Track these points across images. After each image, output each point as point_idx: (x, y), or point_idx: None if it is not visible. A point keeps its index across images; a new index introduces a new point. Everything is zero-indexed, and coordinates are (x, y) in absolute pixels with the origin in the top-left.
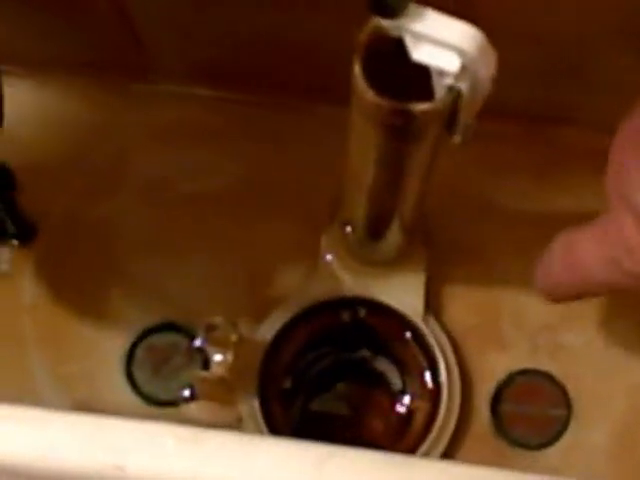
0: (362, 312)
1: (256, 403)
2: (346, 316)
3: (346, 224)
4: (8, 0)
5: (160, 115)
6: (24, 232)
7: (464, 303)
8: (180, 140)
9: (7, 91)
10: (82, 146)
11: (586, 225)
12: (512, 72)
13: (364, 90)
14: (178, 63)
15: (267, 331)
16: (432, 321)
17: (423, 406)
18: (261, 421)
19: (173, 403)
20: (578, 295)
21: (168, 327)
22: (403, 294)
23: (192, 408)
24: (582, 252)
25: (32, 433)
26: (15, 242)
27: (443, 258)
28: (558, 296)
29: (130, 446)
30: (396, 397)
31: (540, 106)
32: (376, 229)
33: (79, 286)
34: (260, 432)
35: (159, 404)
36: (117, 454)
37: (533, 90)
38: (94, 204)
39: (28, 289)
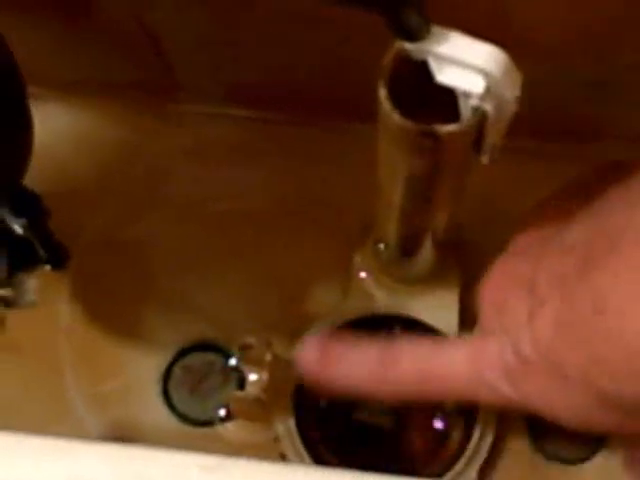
0: (397, 329)
1: (292, 422)
2: (381, 333)
3: (379, 242)
4: (40, 23)
5: (193, 135)
6: (56, 258)
7: None
8: (213, 160)
9: (39, 114)
10: (115, 167)
11: (443, 341)
12: (543, 88)
13: (389, 113)
14: (210, 83)
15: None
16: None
17: (459, 422)
18: (297, 440)
19: (209, 423)
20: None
21: (204, 346)
22: (437, 310)
23: (228, 428)
24: (446, 371)
25: (56, 463)
26: (47, 267)
27: (477, 274)
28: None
29: (154, 475)
30: (433, 412)
31: (573, 121)
32: (409, 247)
33: (115, 307)
34: (296, 451)
35: (195, 424)
36: None
37: (566, 106)
38: (128, 225)
39: (64, 311)
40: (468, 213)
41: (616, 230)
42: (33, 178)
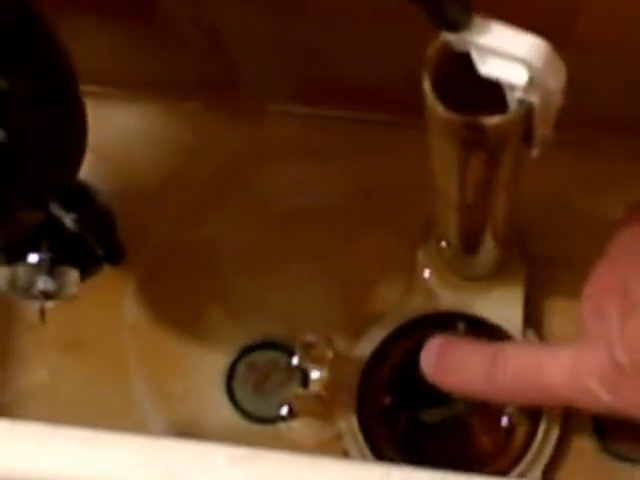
0: (461, 327)
1: (355, 420)
2: (445, 332)
3: (441, 239)
4: (104, 24)
5: (258, 134)
6: (111, 254)
7: (563, 316)
8: (278, 158)
9: (104, 114)
10: (181, 168)
11: (546, 348)
12: (605, 83)
13: (434, 105)
14: (274, 82)
15: (365, 347)
16: (531, 334)
17: (525, 420)
18: (360, 438)
19: (273, 420)
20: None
21: (268, 344)
22: (502, 308)
23: (291, 425)
24: (550, 375)
25: (85, 454)
26: (105, 265)
27: (541, 271)
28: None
29: (182, 466)
30: (499, 410)
31: (636, 117)
32: (470, 243)
33: (179, 305)
34: (359, 448)
35: (259, 421)
36: (169, 475)
37: (628, 101)
38: (193, 223)
39: (129, 309)
40: (531, 209)
41: None
42: (100, 179)
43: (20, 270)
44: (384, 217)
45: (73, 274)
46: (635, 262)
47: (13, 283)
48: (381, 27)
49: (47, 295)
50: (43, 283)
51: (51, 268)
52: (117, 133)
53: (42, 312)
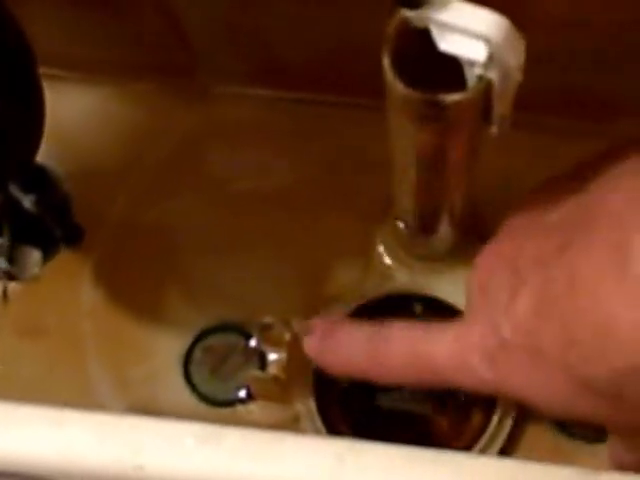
0: (418, 308)
1: (312, 402)
2: (402, 313)
3: (398, 220)
4: (59, 4)
5: (217, 115)
6: (70, 235)
7: None
8: (236, 140)
9: (61, 95)
10: (138, 149)
11: (432, 326)
12: (560, 60)
13: (394, 82)
14: (234, 64)
15: None
16: None
17: (480, 401)
18: (318, 420)
19: (231, 403)
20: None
21: (225, 327)
22: (459, 289)
23: (249, 408)
24: (433, 353)
25: (50, 432)
26: (63, 246)
27: None
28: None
29: (149, 445)
30: (454, 393)
31: (592, 97)
32: (427, 224)
33: (137, 288)
34: (317, 430)
35: (217, 404)
36: (136, 453)
37: (585, 80)
38: (150, 206)
39: (86, 293)
40: (487, 190)
41: (592, 211)
42: (56, 160)
43: None
44: (341, 199)
45: (35, 255)
46: (524, 239)
47: None
48: (333, 5)
49: (10, 276)
50: (4, 263)
51: (12, 249)
52: (72, 115)
53: (4, 292)
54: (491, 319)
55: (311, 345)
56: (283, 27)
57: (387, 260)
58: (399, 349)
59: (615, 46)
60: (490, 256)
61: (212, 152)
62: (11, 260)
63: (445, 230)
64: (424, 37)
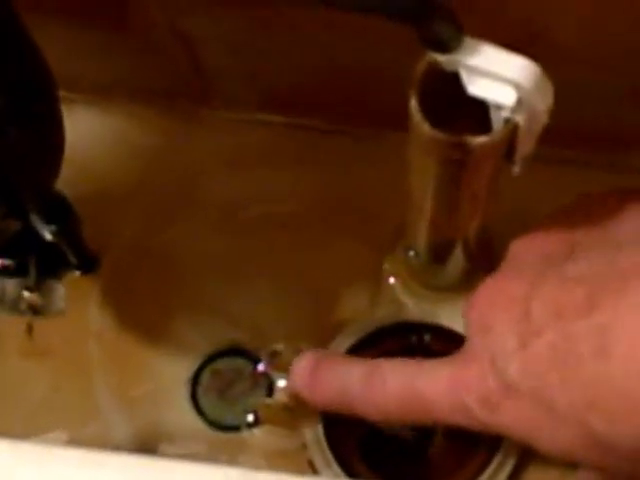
0: (427, 337)
1: (320, 429)
2: (411, 341)
3: (409, 249)
4: (74, 27)
5: (226, 141)
6: (86, 263)
7: None
8: (245, 166)
9: (72, 119)
10: (147, 173)
11: (425, 363)
12: (578, 97)
13: (420, 123)
14: (243, 90)
15: None
16: None
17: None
18: (325, 447)
19: (237, 428)
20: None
21: (233, 352)
22: None
23: (255, 433)
24: (427, 391)
25: (78, 473)
26: (77, 273)
27: None
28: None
29: None
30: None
31: (608, 130)
32: (439, 254)
33: (144, 312)
34: (324, 458)
35: (223, 429)
36: None
37: (600, 114)
38: (159, 231)
39: (94, 316)
40: (500, 222)
41: (625, 270)
42: (65, 183)
43: (7, 284)
44: (352, 226)
45: (60, 289)
46: (537, 282)
47: (1, 298)
48: (354, 40)
49: (35, 310)
50: (34, 299)
51: (38, 283)
52: (82, 138)
53: (30, 328)
54: (493, 360)
55: (300, 376)
56: (292, 54)
57: (397, 288)
58: (395, 387)
59: (624, 83)
60: (492, 291)
61: (222, 177)
62: (37, 294)
63: (457, 260)
64: (450, 78)
